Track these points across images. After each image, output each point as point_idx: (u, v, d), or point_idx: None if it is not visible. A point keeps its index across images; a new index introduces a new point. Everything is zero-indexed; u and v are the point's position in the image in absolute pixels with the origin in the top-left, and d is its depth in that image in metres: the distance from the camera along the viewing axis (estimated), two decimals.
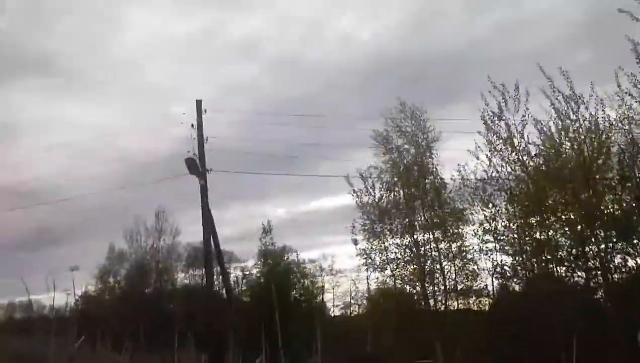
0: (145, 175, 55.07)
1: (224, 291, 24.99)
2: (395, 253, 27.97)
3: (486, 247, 26.55)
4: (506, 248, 25.75)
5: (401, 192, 28.03)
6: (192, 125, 22.12)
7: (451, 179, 26.36)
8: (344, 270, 47.38)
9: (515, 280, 25.93)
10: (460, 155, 25.76)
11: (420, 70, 71.34)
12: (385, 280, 28.65)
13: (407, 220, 27.86)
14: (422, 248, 27.76)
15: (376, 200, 28.40)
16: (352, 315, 46.72)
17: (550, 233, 23.07)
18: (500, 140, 22.70)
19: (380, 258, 28.11)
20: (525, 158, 23.04)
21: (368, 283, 28.64)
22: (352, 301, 45.32)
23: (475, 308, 28.59)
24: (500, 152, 23.14)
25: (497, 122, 22.63)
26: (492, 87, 22.30)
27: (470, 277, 27.47)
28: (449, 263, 27.55)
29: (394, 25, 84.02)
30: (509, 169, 23.68)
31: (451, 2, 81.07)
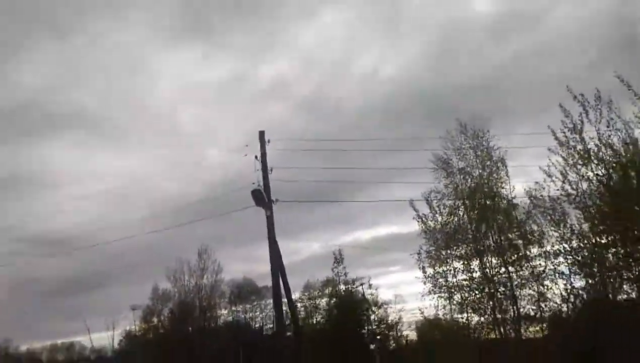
0: (179, 218, 55.28)
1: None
2: (463, 279, 26.73)
3: (559, 270, 25.26)
4: (581, 270, 24.36)
5: (466, 216, 26.91)
6: (256, 157, 21.66)
7: (520, 198, 25.23)
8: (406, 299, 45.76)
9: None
10: (525, 172, 24.85)
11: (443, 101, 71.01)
12: (453, 308, 27.22)
13: (473, 244, 26.68)
14: (490, 272, 26.44)
15: (440, 225, 27.42)
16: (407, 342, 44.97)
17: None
18: (578, 155, 21.52)
19: (448, 284, 26.86)
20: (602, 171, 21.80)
21: (437, 311, 27.10)
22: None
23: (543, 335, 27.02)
24: (577, 167, 21.95)
25: (574, 136, 21.51)
26: (572, 98, 21.19)
27: (542, 302, 25.97)
28: (520, 288, 26.12)
29: (415, 60, 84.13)
30: (585, 186, 22.42)
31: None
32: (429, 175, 27.61)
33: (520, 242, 25.91)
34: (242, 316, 59.22)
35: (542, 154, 24.03)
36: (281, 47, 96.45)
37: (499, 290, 26.41)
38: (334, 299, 19.52)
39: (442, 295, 27.16)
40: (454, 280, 27.02)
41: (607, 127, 20.75)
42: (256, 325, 60.67)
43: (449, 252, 26.97)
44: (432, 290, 27.16)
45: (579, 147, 21.49)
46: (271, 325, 60.09)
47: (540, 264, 25.62)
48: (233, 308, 58.47)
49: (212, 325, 56.37)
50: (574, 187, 22.82)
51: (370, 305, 19.77)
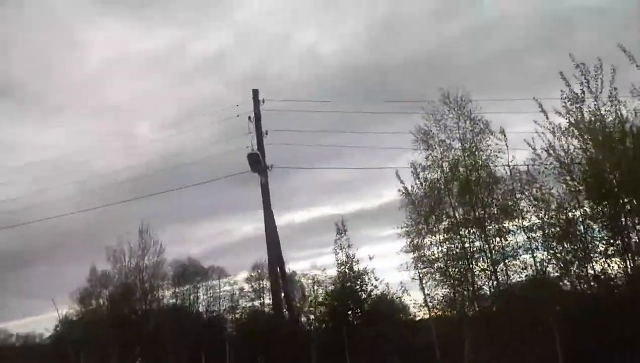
0: (113, 195, 51.99)
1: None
2: (442, 252, 26.66)
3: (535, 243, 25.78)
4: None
5: (446, 189, 26.76)
6: (249, 118, 20.17)
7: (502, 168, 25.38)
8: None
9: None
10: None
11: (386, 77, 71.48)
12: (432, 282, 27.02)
13: (453, 218, 26.64)
14: (470, 246, 26.50)
15: (419, 198, 27.18)
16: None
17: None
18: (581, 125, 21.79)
19: (428, 258, 26.71)
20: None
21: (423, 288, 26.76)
22: None
23: None
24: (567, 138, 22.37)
25: (574, 105, 21.77)
26: (574, 67, 21.35)
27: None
28: (499, 262, 26.36)
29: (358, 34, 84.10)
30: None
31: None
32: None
33: (501, 216, 26.10)
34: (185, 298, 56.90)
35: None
36: (217, 20, 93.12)
37: (478, 264, 26.56)
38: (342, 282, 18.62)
39: (422, 269, 26.96)
40: (434, 253, 26.87)
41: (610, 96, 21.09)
42: (204, 308, 58.69)
43: (429, 225, 26.74)
44: (413, 264, 26.90)
45: (576, 116, 21.75)
46: (218, 309, 58.57)
47: (519, 238, 26.03)
48: (177, 289, 56.03)
49: (155, 307, 53.72)
50: (562, 158, 23.36)
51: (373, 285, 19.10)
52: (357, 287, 19.34)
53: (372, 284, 19.29)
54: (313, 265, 51.75)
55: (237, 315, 57.06)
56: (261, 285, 57.60)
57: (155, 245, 52.00)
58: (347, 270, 19.74)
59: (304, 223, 65.11)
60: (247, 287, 57.29)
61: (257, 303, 57.18)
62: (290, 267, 29.43)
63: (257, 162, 19.40)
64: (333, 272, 20.70)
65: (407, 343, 19.88)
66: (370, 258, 20.78)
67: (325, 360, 18.95)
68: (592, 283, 23.19)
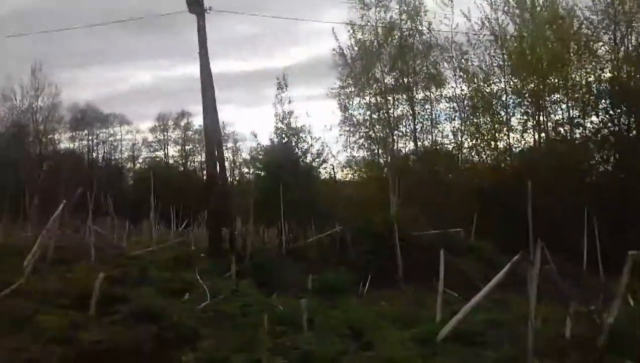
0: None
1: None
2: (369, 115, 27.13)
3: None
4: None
5: (378, 54, 26.50)
6: None
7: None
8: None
9: None
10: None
11: None
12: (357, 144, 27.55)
13: (382, 83, 26.82)
14: (394, 111, 27.12)
15: (350, 60, 26.85)
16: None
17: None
18: None
19: (356, 120, 27.11)
20: None
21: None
22: None
23: None
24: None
25: None
26: None
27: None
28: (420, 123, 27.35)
29: None
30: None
31: None
32: None
33: (428, 83, 26.60)
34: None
35: None
36: None
37: (399, 128, 27.43)
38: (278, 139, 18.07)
39: (349, 130, 27.31)
40: (361, 115, 27.25)
41: None
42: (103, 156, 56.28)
43: (359, 87, 26.76)
44: (340, 126, 27.13)
45: None
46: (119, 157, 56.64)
47: (442, 106, 26.98)
48: (74, 133, 52.75)
49: (50, 151, 50.61)
50: (496, 32, 23.86)
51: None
52: (293, 144, 19.16)
53: (309, 143, 19.15)
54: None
55: (138, 166, 55.90)
56: (165, 136, 56.30)
57: (50, 86, 47.48)
58: (283, 127, 19.33)
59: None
60: (150, 137, 55.60)
61: (160, 153, 56.24)
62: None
63: (195, 3, 17.57)
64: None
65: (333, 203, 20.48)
66: (308, 115, 20.60)
67: (263, 216, 19.21)
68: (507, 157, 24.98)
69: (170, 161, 56.21)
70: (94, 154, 56.64)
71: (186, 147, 56.36)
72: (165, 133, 56.30)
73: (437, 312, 8.03)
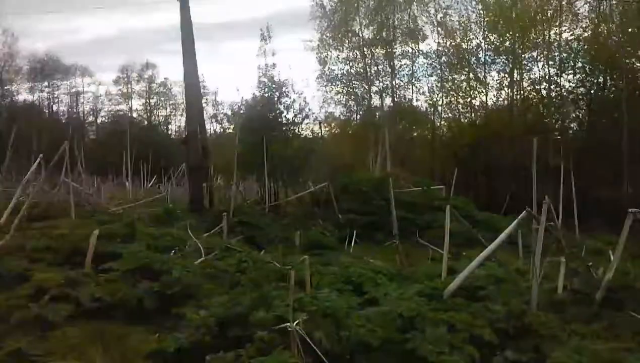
0: None
1: None
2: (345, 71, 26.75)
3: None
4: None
5: (358, 3, 25.97)
6: None
7: None
8: None
9: None
10: None
11: None
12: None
13: (360, 37, 26.35)
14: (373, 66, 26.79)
15: (329, 11, 26.26)
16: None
17: None
18: None
19: (333, 75, 26.71)
20: None
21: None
22: None
23: None
24: None
25: None
26: None
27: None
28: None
29: None
30: None
31: None
32: None
33: (406, 38, 26.29)
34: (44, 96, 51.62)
35: None
36: None
37: (376, 84, 27.19)
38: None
39: (326, 85, 26.95)
40: (339, 70, 26.85)
41: None
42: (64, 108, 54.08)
43: (337, 41, 26.26)
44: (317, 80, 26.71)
45: None
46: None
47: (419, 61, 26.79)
48: (34, 84, 50.24)
49: (7, 102, 48.24)
50: None
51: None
52: (276, 99, 18.66)
53: (291, 98, 18.67)
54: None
55: (101, 119, 54.13)
56: (129, 89, 54.30)
57: (5, 33, 44.80)
58: (266, 80, 18.76)
59: None
60: (114, 90, 53.59)
61: (123, 107, 54.43)
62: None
63: None
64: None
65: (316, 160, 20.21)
66: (290, 68, 20.07)
67: (244, 171, 18.85)
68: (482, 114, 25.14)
69: (134, 115, 54.57)
70: (55, 107, 54.50)
71: (151, 100, 54.73)
72: (129, 85, 54.35)
73: (443, 269, 8.08)
